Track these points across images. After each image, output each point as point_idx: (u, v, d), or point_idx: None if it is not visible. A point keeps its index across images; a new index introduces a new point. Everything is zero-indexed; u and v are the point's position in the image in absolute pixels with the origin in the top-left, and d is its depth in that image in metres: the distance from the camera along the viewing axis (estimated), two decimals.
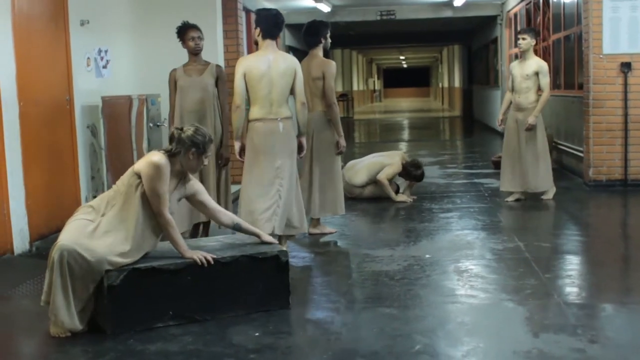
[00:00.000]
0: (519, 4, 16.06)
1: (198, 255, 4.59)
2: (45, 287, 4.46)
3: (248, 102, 6.22)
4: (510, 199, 8.63)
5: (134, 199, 4.55)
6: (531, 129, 8.38)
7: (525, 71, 8.43)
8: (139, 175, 4.56)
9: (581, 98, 9.95)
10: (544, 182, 8.59)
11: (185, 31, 6.68)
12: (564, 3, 11.76)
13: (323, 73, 6.90)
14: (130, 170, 4.66)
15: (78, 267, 4.34)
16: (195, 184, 4.86)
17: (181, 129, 4.73)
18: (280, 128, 6.11)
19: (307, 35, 7.13)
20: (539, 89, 8.46)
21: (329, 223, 7.46)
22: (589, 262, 6.25)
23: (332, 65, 6.97)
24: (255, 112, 6.14)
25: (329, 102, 6.94)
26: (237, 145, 6.26)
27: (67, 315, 4.37)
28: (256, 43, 6.41)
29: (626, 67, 9.25)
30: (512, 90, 8.63)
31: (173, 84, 6.71)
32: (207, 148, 4.73)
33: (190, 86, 6.62)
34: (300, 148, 6.34)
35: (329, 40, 7.19)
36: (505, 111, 8.84)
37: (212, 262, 4.60)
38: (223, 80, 6.77)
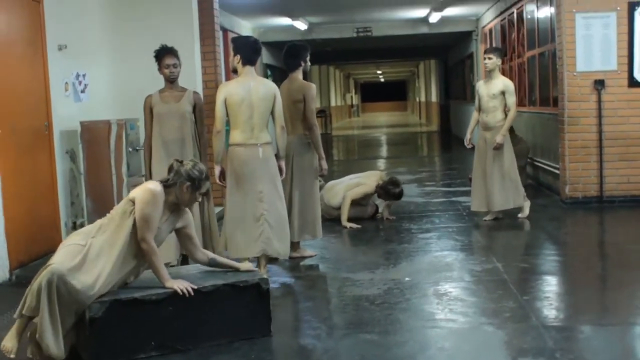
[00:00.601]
0: (493, 19, 16.23)
1: (179, 285, 4.61)
2: (23, 301, 4.36)
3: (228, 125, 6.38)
4: (488, 217, 8.69)
5: (125, 224, 4.57)
6: (499, 147, 8.43)
7: (492, 90, 8.48)
8: (133, 202, 4.60)
9: (556, 115, 10.07)
10: (512, 199, 8.58)
11: (161, 57, 6.49)
12: (538, 19, 11.91)
13: (304, 96, 6.96)
14: (126, 198, 4.71)
15: (67, 293, 4.30)
16: (187, 217, 4.89)
17: (181, 162, 4.80)
18: (260, 153, 6.29)
19: (287, 58, 7.18)
20: (506, 108, 8.52)
21: (309, 246, 7.48)
22: (567, 282, 6.32)
23: (313, 88, 7.05)
24: (236, 137, 6.30)
25: (310, 125, 6.99)
26: (216, 170, 6.41)
27: (53, 340, 4.31)
28: (234, 70, 6.52)
29: (600, 84, 9.38)
30: (479, 109, 8.69)
31: (149, 110, 6.51)
32: (202, 185, 4.78)
33: (168, 113, 6.44)
34: (279, 171, 6.47)
35: (309, 64, 7.25)
36: (472, 130, 8.87)
37: (192, 293, 4.61)
38: (200, 107, 6.61)
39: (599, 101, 9.40)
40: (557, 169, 10.06)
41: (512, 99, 8.45)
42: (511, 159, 8.61)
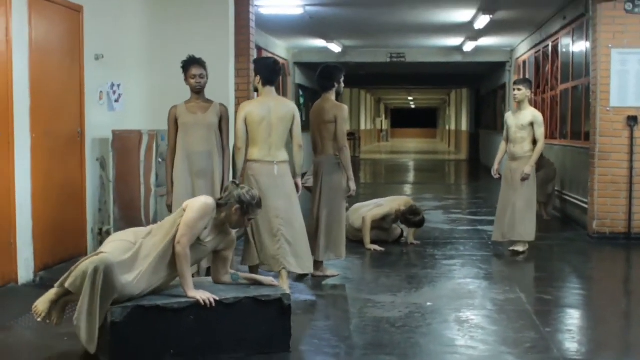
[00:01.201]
0: (528, 51, 16.21)
1: (201, 296, 4.63)
2: (67, 275, 4.47)
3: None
4: (515, 247, 8.61)
5: (171, 233, 4.67)
6: (527, 178, 8.36)
7: (521, 121, 8.43)
8: (185, 210, 4.70)
9: (587, 149, 10.02)
10: (530, 232, 8.48)
11: (188, 67, 6.45)
12: (573, 53, 11.88)
13: (335, 117, 7.02)
14: (180, 208, 4.81)
15: (108, 285, 4.36)
16: (231, 240, 4.98)
17: (237, 184, 4.92)
18: (275, 171, 6.44)
19: (321, 79, 7.25)
20: (534, 139, 8.44)
21: (332, 266, 7.48)
22: (590, 316, 6.25)
23: (345, 110, 7.09)
24: (253, 154, 6.46)
25: (340, 146, 7.04)
26: None
27: (86, 325, 4.38)
28: (256, 90, 6.74)
29: (633, 120, 9.33)
30: (507, 140, 8.65)
31: (173, 121, 6.46)
32: (251, 211, 4.85)
33: (195, 124, 6.39)
34: (296, 188, 6.59)
35: (342, 85, 7.32)
36: (500, 161, 8.83)
37: (214, 304, 4.63)
38: (226, 120, 6.55)
39: (631, 137, 9.35)
40: (586, 203, 9.98)
41: (540, 131, 8.39)
42: (534, 192, 8.55)
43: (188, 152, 6.40)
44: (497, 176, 8.84)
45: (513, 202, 8.45)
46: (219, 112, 6.50)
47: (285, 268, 6.39)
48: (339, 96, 7.36)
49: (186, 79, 6.48)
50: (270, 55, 16.38)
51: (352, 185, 7.13)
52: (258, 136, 6.41)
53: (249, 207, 4.83)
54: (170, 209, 6.43)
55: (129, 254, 4.54)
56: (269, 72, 6.55)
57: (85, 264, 4.39)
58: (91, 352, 4.45)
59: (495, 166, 8.85)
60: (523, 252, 8.47)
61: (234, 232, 5.02)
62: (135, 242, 4.63)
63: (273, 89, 6.57)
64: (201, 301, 4.61)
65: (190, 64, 6.46)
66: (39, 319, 4.59)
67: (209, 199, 4.80)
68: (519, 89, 8.48)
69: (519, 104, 8.51)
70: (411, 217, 8.95)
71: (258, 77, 6.53)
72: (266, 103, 6.46)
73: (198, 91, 6.46)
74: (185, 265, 4.64)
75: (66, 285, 4.47)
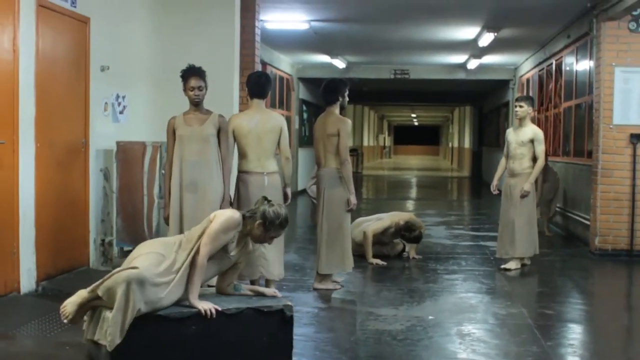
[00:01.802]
0: (532, 69, 16.26)
1: (203, 306, 4.63)
2: (102, 281, 4.47)
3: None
4: (509, 266, 8.48)
5: (198, 243, 4.69)
6: (526, 195, 8.35)
7: (521, 138, 8.43)
8: (211, 221, 4.74)
9: (590, 166, 10.03)
10: (529, 249, 8.48)
11: (187, 78, 6.32)
12: (576, 72, 11.92)
13: (338, 130, 7.05)
14: (206, 218, 4.82)
15: (140, 298, 4.39)
16: (248, 253, 5.02)
17: (267, 199, 4.93)
18: (266, 182, 6.61)
19: (325, 92, 7.29)
20: (534, 157, 8.40)
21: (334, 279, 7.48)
22: (592, 331, 6.25)
23: (348, 124, 7.13)
24: (243, 165, 6.67)
25: (342, 159, 7.06)
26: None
27: (118, 335, 4.37)
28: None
29: (636, 138, 9.35)
30: (507, 156, 8.65)
31: (171, 132, 6.38)
32: (273, 228, 4.84)
33: (190, 136, 6.29)
34: (285, 198, 6.71)
35: (347, 99, 7.35)
36: (499, 177, 8.81)
37: (214, 315, 4.63)
38: (225, 131, 6.43)
39: (634, 155, 9.37)
40: (588, 220, 9.99)
41: (540, 148, 8.38)
42: (534, 207, 8.57)
43: (182, 165, 6.31)
44: (496, 192, 8.84)
45: (514, 219, 8.44)
46: (217, 124, 6.36)
47: (264, 276, 6.53)
48: (342, 110, 7.38)
49: (185, 90, 6.36)
50: (274, 70, 16.46)
51: (353, 199, 7.13)
52: (246, 147, 6.61)
53: (271, 225, 4.83)
54: (167, 222, 6.39)
55: (162, 267, 4.55)
56: (253, 85, 6.74)
57: (121, 277, 4.40)
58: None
59: (495, 182, 8.84)
60: (516, 269, 8.43)
61: (251, 246, 5.05)
62: (164, 254, 4.65)
63: (262, 101, 6.76)
64: (202, 311, 4.61)
65: (190, 74, 6.33)
66: (65, 320, 4.59)
67: (236, 213, 4.83)
68: (520, 106, 8.49)
69: (521, 120, 8.52)
70: (406, 233, 8.92)
71: (247, 91, 6.79)
72: (254, 116, 6.65)
73: (196, 103, 6.34)
74: (198, 274, 4.65)
75: (99, 293, 4.47)
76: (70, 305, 4.59)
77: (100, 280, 4.52)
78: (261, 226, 4.82)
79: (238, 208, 6.48)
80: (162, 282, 4.53)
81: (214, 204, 6.20)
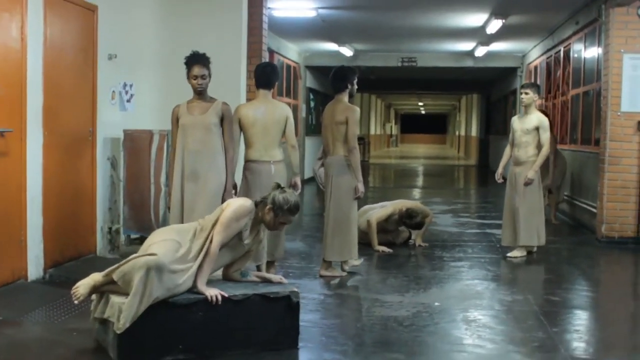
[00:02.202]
0: (539, 57, 16.21)
1: (210, 292, 4.66)
2: (118, 266, 4.54)
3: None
4: (512, 254, 8.48)
5: (212, 232, 4.74)
6: (530, 183, 8.32)
7: (526, 125, 8.40)
8: (223, 210, 4.79)
9: (597, 154, 10.02)
10: (537, 236, 8.43)
11: (190, 66, 6.22)
12: (584, 59, 11.88)
13: (347, 118, 7.07)
14: (219, 207, 4.89)
15: (157, 285, 4.45)
16: (259, 242, 5.10)
17: (279, 186, 4.99)
18: (272, 170, 6.73)
19: (334, 80, 7.31)
20: (539, 144, 8.37)
21: (339, 265, 7.51)
22: (598, 318, 6.27)
23: (356, 111, 7.14)
24: (250, 154, 6.79)
25: (351, 147, 7.09)
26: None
27: (131, 319, 4.41)
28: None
29: None
30: (512, 144, 8.62)
31: (175, 120, 6.30)
32: (282, 214, 4.88)
33: (192, 125, 6.19)
34: (295, 187, 6.78)
35: (355, 87, 7.35)
36: (504, 165, 8.78)
37: (220, 302, 4.66)
38: (229, 119, 6.31)
39: None
40: (595, 207, 9.98)
41: (545, 135, 8.33)
42: (539, 196, 8.50)
43: (183, 154, 6.23)
44: (500, 180, 8.83)
45: (517, 207, 8.41)
46: (220, 112, 6.25)
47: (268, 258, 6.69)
48: (351, 98, 7.39)
49: (188, 78, 6.25)
50: (281, 58, 16.45)
51: (361, 187, 7.15)
52: (253, 137, 6.74)
53: (280, 210, 4.87)
54: (170, 211, 6.34)
55: (178, 254, 4.61)
56: (259, 75, 6.87)
57: (138, 262, 4.45)
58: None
59: (500, 170, 8.83)
60: (522, 256, 8.42)
61: (263, 233, 5.09)
62: (180, 241, 4.69)
63: (268, 92, 6.90)
64: (209, 298, 4.64)
65: (193, 62, 6.22)
66: (76, 301, 4.65)
67: (247, 201, 4.89)
68: (526, 93, 8.46)
69: (526, 107, 8.50)
70: (407, 220, 8.92)
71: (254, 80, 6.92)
72: (259, 106, 6.79)
73: (199, 92, 6.25)
74: (209, 261, 4.70)
75: (114, 277, 4.51)
76: (82, 287, 4.64)
77: (115, 265, 4.58)
78: (271, 211, 4.86)
79: (246, 197, 6.48)
80: (179, 270, 4.57)
81: (215, 194, 6.17)
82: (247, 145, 6.80)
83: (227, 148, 6.30)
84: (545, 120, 8.46)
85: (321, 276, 7.20)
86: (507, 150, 8.78)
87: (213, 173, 6.20)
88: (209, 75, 6.25)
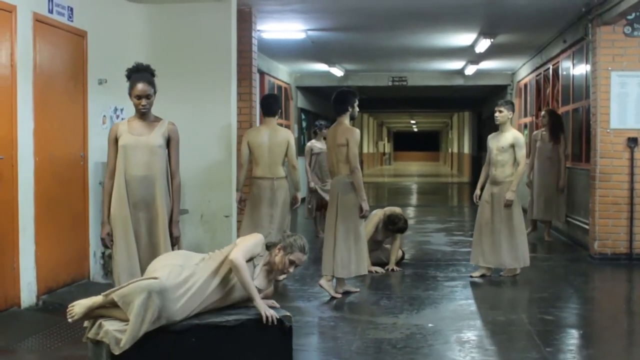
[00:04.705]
0: (529, 74, 16.29)
1: (267, 313, 4.69)
2: (119, 288, 4.53)
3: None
4: (476, 274, 8.39)
5: (219, 261, 4.78)
6: (510, 204, 8.16)
7: (501, 143, 8.25)
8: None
9: (588, 171, 10.05)
10: (521, 258, 8.28)
11: (133, 83, 5.45)
12: (573, 76, 11.95)
13: (347, 140, 7.21)
14: (232, 244, 4.95)
15: (159, 309, 4.44)
16: (270, 293, 5.17)
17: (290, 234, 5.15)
18: (275, 185, 7.94)
19: (335, 103, 7.49)
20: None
21: (351, 282, 7.57)
22: (592, 336, 6.27)
23: (356, 133, 7.31)
24: (256, 171, 8.03)
25: (352, 167, 7.24)
26: (237, 195, 8.28)
27: (130, 342, 4.40)
28: None
29: (633, 142, 9.37)
30: (489, 163, 8.44)
31: (113, 141, 5.45)
32: (292, 250, 4.93)
33: (135, 146, 5.38)
34: (294, 201, 8.12)
35: (357, 109, 7.51)
36: (482, 186, 8.55)
37: (276, 323, 4.71)
38: (175, 141, 5.51)
39: (632, 158, 9.39)
40: (587, 224, 10.01)
41: (521, 153, 8.16)
42: (520, 216, 8.31)
43: (127, 179, 5.39)
44: (478, 202, 8.57)
45: (498, 229, 8.24)
46: (166, 132, 5.47)
47: None
48: (352, 120, 7.52)
49: (130, 95, 5.47)
50: (272, 79, 16.49)
51: (365, 206, 7.27)
52: (259, 157, 7.98)
53: (290, 247, 4.92)
54: (103, 243, 5.53)
55: (180, 278, 4.60)
56: (262, 105, 8.23)
57: (140, 285, 4.45)
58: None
59: (477, 192, 8.57)
60: (515, 275, 8.36)
61: (272, 288, 5.15)
62: (182, 264, 4.70)
63: (272, 119, 8.11)
64: (264, 317, 4.67)
65: (136, 79, 5.44)
66: (70, 320, 4.62)
67: (258, 234, 5.11)
68: (500, 111, 8.34)
69: (501, 126, 8.38)
70: (391, 226, 8.85)
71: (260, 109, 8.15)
72: (265, 131, 8.03)
73: (142, 114, 5.46)
74: (246, 274, 4.71)
75: (115, 298, 4.48)
76: (78, 306, 4.61)
77: (116, 287, 4.56)
78: (280, 250, 4.92)
79: (251, 208, 7.95)
80: (180, 295, 4.56)
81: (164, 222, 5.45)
82: (255, 164, 8.01)
83: (173, 174, 5.51)
84: (520, 137, 8.32)
85: (320, 285, 7.36)
86: (484, 170, 8.59)
87: (163, 199, 5.43)
88: (154, 92, 5.50)
